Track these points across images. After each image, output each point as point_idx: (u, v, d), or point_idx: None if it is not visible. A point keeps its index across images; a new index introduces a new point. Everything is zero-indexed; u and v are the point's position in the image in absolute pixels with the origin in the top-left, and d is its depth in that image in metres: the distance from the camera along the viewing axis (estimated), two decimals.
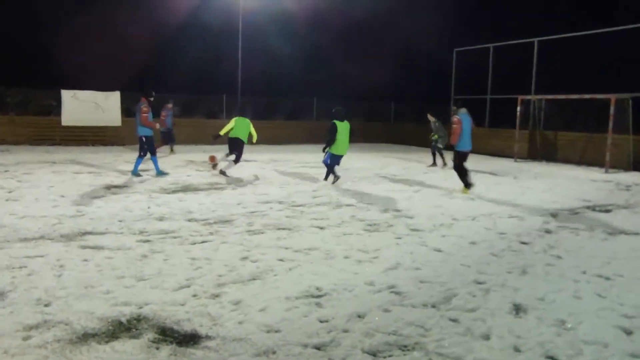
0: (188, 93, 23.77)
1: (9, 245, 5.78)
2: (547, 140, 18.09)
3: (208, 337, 3.68)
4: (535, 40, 18.94)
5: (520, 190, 10.92)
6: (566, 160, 16.92)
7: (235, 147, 11.94)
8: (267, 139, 21.69)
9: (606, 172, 14.63)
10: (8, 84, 20.12)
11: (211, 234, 6.48)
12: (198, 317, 4.01)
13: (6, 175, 11.09)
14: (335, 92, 26.90)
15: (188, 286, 4.64)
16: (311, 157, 16.61)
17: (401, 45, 32.39)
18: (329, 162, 10.75)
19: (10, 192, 9.09)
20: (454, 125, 9.85)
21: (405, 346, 3.64)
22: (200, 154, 16.81)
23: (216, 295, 4.45)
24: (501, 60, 20.89)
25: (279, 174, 12.55)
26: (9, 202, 8.21)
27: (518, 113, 17.78)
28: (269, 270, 5.14)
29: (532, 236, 6.87)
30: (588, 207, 9.08)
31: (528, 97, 18.30)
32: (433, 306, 4.36)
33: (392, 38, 32.74)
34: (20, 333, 3.63)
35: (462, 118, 9.89)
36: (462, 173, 10.13)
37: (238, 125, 11.87)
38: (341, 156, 10.79)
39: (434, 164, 15.30)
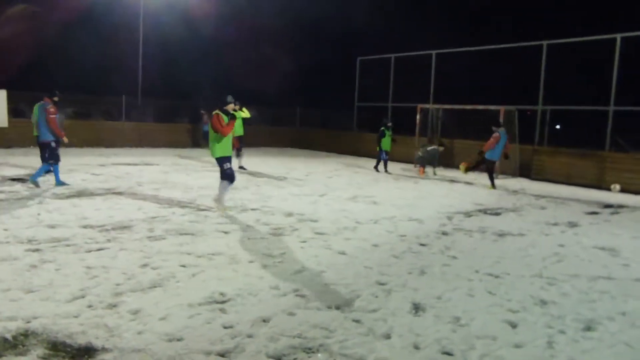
0: (83, 93, 22.32)
1: None
2: (444, 147, 19.13)
3: (105, 350, 3.49)
4: (434, 52, 20.04)
5: (419, 194, 11.43)
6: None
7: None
8: (170, 142, 21.05)
9: (496, 178, 15.73)
10: None
11: (108, 240, 6.14)
12: (93, 328, 3.79)
13: None
14: (240, 97, 26.60)
15: (82, 297, 4.36)
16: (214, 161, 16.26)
17: (307, 53, 32.80)
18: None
19: None
20: (492, 139, 12.63)
21: (309, 348, 3.67)
22: (96, 157, 15.91)
23: (113, 305, 4.23)
24: (403, 70, 21.80)
25: (182, 177, 12.18)
26: None
27: (417, 121, 18.66)
28: (170, 277, 4.97)
29: (431, 238, 7.22)
30: (480, 211, 9.70)
31: (427, 105, 19.25)
32: (337, 308, 4.43)
33: (298, 46, 33.06)
34: None
35: (501, 134, 12.68)
36: (491, 175, 13.07)
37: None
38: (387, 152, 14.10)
39: (377, 169, 16.05)
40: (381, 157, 15.83)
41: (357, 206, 9.47)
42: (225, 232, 6.91)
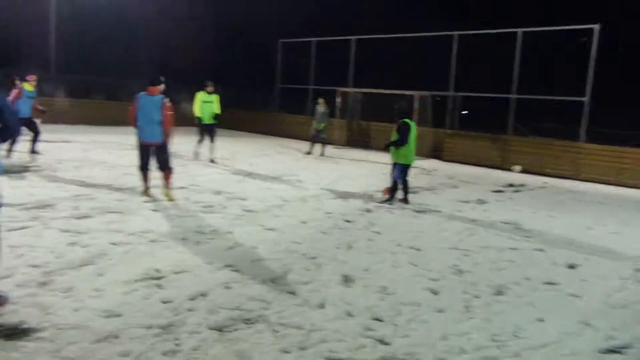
0: None
1: None
2: (362, 130, 19.73)
3: (40, 328, 3.45)
4: (353, 38, 20.51)
5: (341, 174, 11.82)
6: (379, 148, 18.67)
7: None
8: (86, 119, 19.98)
9: None
10: None
11: (32, 219, 5.89)
12: (26, 307, 3.71)
13: None
14: (156, 73, 25.62)
15: (10, 276, 4.23)
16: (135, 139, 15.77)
17: (226, 32, 32.14)
18: (400, 177, 8.57)
19: None
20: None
21: (249, 319, 3.83)
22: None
23: (44, 284, 4.14)
24: (325, 54, 22.09)
25: (103, 155, 11.72)
26: None
27: (337, 104, 19.09)
28: (102, 255, 4.91)
29: (355, 215, 7.57)
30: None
31: (346, 89, 19.71)
32: (272, 281, 4.62)
33: (218, 23, 32.29)
34: None
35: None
36: None
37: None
38: (409, 166, 8.59)
39: (310, 152, 15.49)
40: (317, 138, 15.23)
41: (283, 185, 9.65)
42: (154, 210, 6.84)
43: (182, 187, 8.54)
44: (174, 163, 10.32)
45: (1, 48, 22.76)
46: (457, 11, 29.23)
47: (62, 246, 5.08)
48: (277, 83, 23.38)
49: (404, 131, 8.33)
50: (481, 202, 9.52)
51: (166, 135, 7.36)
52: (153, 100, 7.26)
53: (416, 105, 16.50)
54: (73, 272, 4.44)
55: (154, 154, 7.48)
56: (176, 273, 4.63)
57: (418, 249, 6.01)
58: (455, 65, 17.58)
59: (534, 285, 5.06)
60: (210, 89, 11.91)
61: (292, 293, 4.39)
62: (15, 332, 3.38)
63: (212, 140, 12.04)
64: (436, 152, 17.20)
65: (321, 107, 15.20)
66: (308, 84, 22.14)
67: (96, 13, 25.75)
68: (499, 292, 4.79)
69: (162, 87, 7.43)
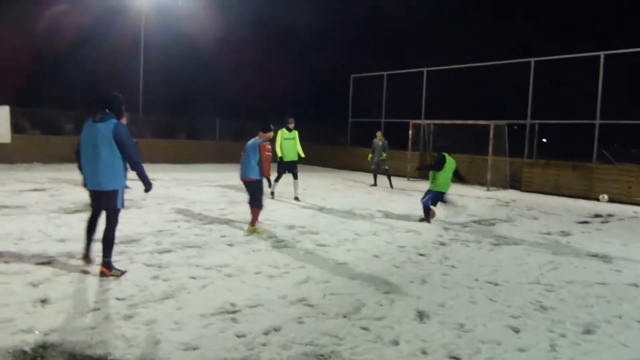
0: (82, 109, 22.34)
1: None
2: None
3: None
4: (425, 70, 20.48)
5: (414, 206, 11.62)
6: (453, 180, 18.25)
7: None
8: (169, 158, 21.14)
9: (488, 190, 16.03)
10: None
11: (119, 253, 6.25)
12: (111, 339, 3.90)
13: None
14: (238, 112, 26.78)
15: (98, 309, 4.48)
16: (215, 176, 16.45)
17: (300, 68, 33.18)
18: (430, 202, 9.56)
19: None
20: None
21: (322, 355, 3.81)
22: None
23: (129, 317, 4.34)
24: (396, 87, 22.19)
25: (183, 192, 12.30)
26: None
27: (410, 136, 18.97)
28: (181, 289, 5.10)
29: (429, 248, 7.41)
30: (475, 222, 9.93)
31: (418, 121, 19.59)
32: (344, 316, 4.58)
33: (293, 61, 33.41)
34: None
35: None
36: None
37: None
38: (443, 194, 9.60)
39: (375, 184, 15.80)
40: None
41: (355, 219, 9.64)
42: (230, 245, 7.05)
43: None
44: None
45: (96, 93, 24.72)
46: (530, 37, 28.52)
47: (146, 280, 5.33)
48: (349, 117, 23.65)
49: (438, 159, 9.46)
50: (565, 234, 9.03)
51: (264, 174, 7.79)
52: (254, 143, 7.79)
53: (491, 134, 16.10)
54: (155, 305, 4.64)
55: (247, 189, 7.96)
56: (250, 307, 4.71)
57: (496, 284, 5.77)
58: (532, 92, 17.04)
59: (627, 324, 4.69)
60: (291, 125, 12.04)
61: (365, 329, 4.33)
62: None
63: (295, 177, 11.99)
64: (514, 183, 16.58)
65: (378, 141, 15.41)
66: (380, 117, 22.24)
67: (181, 61, 27.42)
68: (588, 331, 4.48)
69: (270, 134, 8.00)
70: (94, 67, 26.56)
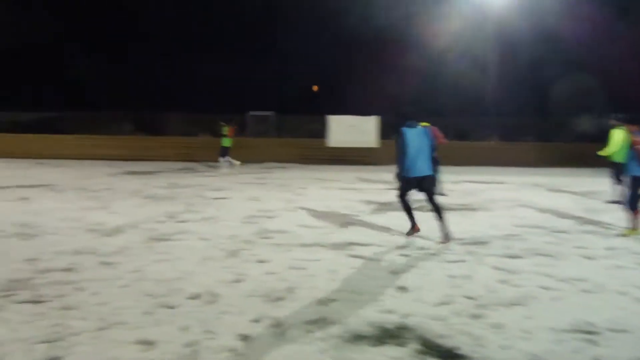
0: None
1: (291, 248, 6.71)
2: None
3: (472, 357, 3.67)
4: None
5: None
6: None
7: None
8: (513, 161, 20.53)
9: None
10: (284, 112, 24.03)
11: (469, 254, 6.46)
12: (459, 335, 4.02)
13: (284, 189, 12.99)
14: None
15: (448, 303, 4.71)
16: (566, 181, 15.21)
17: None
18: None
19: (288, 202, 10.61)
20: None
21: None
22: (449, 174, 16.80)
23: (477, 316, 4.41)
24: None
25: (536, 197, 11.87)
26: (287, 212, 9.51)
27: None
28: (531, 297, 4.89)
29: None
30: None
31: None
32: None
33: None
34: (304, 326, 4.15)
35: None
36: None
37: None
38: None
39: None
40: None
41: None
42: (588, 258, 6.39)
43: (623, 236, 7.66)
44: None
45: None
46: None
47: (494, 282, 5.32)
48: None
49: None
50: None
51: None
52: None
53: None
54: (503, 310, 4.58)
55: None
56: (612, 331, 4.15)
57: None
58: None
59: None
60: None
61: None
62: (450, 355, 3.71)
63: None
64: None
65: None
66: None
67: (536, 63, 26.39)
68: None
69: None
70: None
